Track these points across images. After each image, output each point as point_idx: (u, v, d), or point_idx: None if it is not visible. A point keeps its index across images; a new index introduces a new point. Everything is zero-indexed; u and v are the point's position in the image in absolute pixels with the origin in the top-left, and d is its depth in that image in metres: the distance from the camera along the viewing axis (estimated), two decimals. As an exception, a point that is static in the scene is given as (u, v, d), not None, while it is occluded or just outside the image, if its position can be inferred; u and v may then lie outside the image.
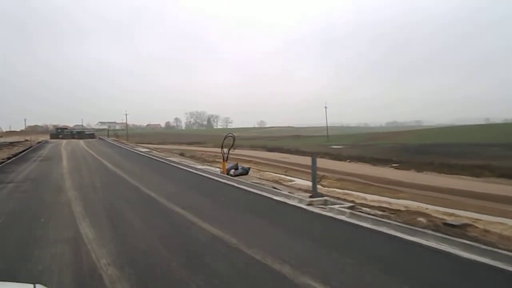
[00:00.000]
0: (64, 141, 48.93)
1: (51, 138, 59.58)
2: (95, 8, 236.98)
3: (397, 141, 46.27)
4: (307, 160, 28.72)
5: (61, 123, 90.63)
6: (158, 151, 26.92)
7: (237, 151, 41.37)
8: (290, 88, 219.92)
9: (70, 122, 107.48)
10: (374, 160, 27.87)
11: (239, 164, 13.49)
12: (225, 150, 13.38)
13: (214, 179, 11.55)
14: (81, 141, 46.07)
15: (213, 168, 13.82)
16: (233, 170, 12.53)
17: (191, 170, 13.74)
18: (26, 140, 47.28)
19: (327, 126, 55.41)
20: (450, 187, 14.57)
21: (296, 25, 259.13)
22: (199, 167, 13.65)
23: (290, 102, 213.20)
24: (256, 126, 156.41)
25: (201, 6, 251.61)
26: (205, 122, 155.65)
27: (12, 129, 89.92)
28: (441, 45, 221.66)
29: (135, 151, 25.86)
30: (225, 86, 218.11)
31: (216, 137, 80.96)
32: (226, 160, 12.91)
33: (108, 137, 56.68)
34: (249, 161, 29.90)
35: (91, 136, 61.76)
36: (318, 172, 22.49)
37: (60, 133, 64.58)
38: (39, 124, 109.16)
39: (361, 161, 27.90)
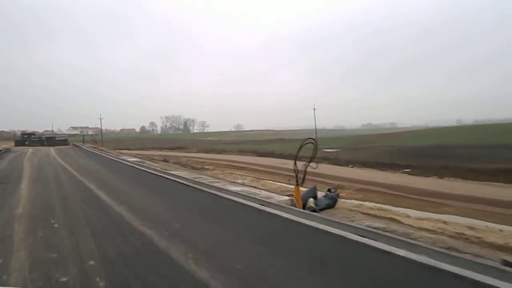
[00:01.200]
0: (31, 149, 42.00)
1: (16, 145, 51.76)
2: (64, 11, 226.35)
3: (387, 143, 45.10)
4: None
5: (30, 128, 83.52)
6: (151, 160, 23.34)
7: (225, 156, 38.76)
8: (266, 91, 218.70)
9: (40, 128, 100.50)
10: (379, 164, 26.09)
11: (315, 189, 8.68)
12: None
13: (315, 228, 5.39)
14: (52, 149, 38.76)
15: (255, 191, 9.23)
16: (312, 200, 7.83)
17: (228, 196, 8.11)
18: (-16, 149, 41.83)
19: (315, 129, 53.44)
20: (497, 198, 12.70)
21: (274, 27, 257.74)
22: (234, 189, 8.68)
23: (266, 105, 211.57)
24: (233, 129, 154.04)
25: (179, 4, 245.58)
26: (181, 126, 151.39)
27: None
28: (418, 51, 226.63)
29: (123, 161, 19.96)
30: (200, 89, 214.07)
31: (195, 141, 78.01)
32: (302, 184, 8.11)
33: (84, 143, 47.96)
34: (243, 168, 27.49)
35: (64, 142, 53.07)
36: (331, 181, 20.42)
37: (26, 139, 55.58)
38: (6, 130, 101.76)
39: (366, 166, 26.06)
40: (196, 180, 9.80)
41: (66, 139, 55.94)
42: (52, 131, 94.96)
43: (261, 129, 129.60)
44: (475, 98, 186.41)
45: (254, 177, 23.18)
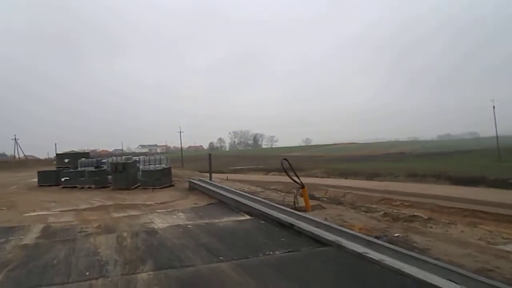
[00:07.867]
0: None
1: (40, 184, 15.47)
2: (131, 24, 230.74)
3: None
4: None
5: (100, 148, 72.89)
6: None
7: (392, 184, 24.23)
8: (334, 103, 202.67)
9: (109, 147, 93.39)
10: None
11: None
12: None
13: None
14: None
15: None
16: None
17: None
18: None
19: (497, 138, 36.90)
20: None
21: (346, 28, 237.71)
22: None
23: (332, 117, 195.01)
24: (302, 143, 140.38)
25: (248, 21, 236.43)
26: (250, 142, 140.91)
27: (49, 156, 76.62)
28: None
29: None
30: (266, 103, 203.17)
31: (279, 158, 63.07)
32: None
33: (211, 178, 12.96)
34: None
35: (162, 177, 13.40)
36: None
37: (66, 166, 15.85)
38: (75, 149, 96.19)
39: None
40: None
41: (169, 169, 14.47)
42: (122, 150, 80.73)
43: (343, 142, 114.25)
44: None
45: None
